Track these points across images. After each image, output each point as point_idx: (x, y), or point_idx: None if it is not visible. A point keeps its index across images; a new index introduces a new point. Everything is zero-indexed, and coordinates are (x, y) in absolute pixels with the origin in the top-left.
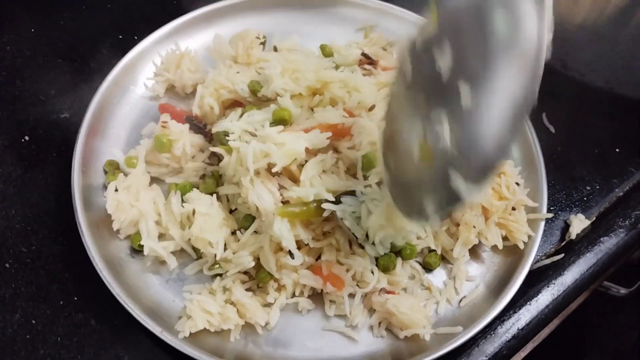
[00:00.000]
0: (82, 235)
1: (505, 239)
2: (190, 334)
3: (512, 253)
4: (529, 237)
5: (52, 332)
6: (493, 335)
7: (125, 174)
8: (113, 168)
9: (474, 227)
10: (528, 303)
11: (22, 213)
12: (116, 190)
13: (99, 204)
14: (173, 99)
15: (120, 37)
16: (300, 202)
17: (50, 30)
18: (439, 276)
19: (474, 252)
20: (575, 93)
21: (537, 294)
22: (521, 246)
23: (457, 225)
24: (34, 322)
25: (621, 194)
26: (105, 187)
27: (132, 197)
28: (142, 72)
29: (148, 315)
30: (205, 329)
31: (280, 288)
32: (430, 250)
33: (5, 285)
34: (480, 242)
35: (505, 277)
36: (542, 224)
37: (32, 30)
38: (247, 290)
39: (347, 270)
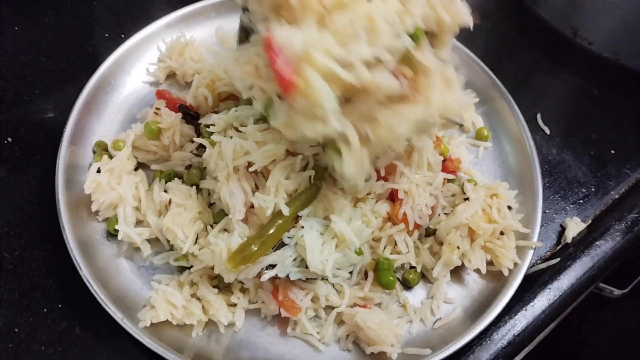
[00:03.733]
0: (59, 212)
1: (490, 263)
2: (152, 324)
3: (496, 279)
4: (515, 264)
5: (36, 341)
6: (488, 342)
7: (112, 157)
8: (101, 149)
9: (458, 247)
10: (524, 308)
11: (4, 217)
12: (99, 171)
13: (83, 183)
14: (173, 87)
15: (107, 35)
16: (245, 246)
17: (34, 28)
18: (417, 294)
19: (457, 273)
20: (581, 65)
21: (533, 299)
22: (506, 273)
23: (441, 244)
24: (16, 330)
25: (617, 196)
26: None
27: (114, 180)
28: (145, 56)
29: (113, 300)
30: (167, 321)
31: (244, 290)
32: (411, 267)
33: None
34: (463, 264)
35: (485, 303)
36: (531, 252)
37: (15, 28)
38: (214, 287)
39: (307, 294)
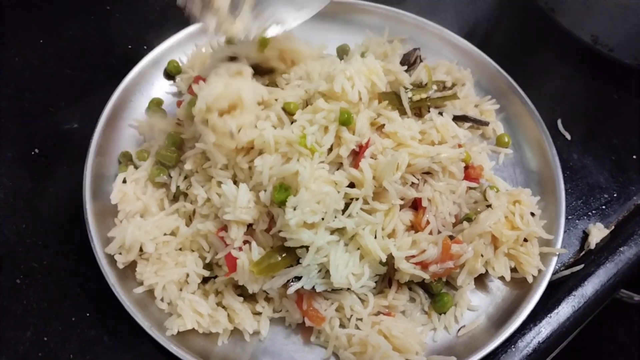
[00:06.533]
0: (87, 222)
1: (514, 270)
2: (179, 332)
3: (520, 286)
4: (539, 271)
5: (65, 350)
6: (513, 349)
7: (137, 167)
8: (126, 160)
9: (482, 255)
10: (548, 316)
11: (32, 227)
12: (125, 181)
13: (110, 193)
14: None
15: (130, 46)
16: (270, 255)
17: (59, 41)
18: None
19: (480, 281)
20: (601, 70)
21: (558, 306)
22: (530, 280)
23: None
24: (46, 339)
25: (639, 201)
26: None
27: (139, 190)
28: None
29: (140, 309)
30: (194, 329)
31: (269, 299)
32: None
33: (17, 301)
34: (487, 271)
35: (509, 310)
36: (555, 259)
37: (41, 41)
38: (239, 295)
39: (332, 304)
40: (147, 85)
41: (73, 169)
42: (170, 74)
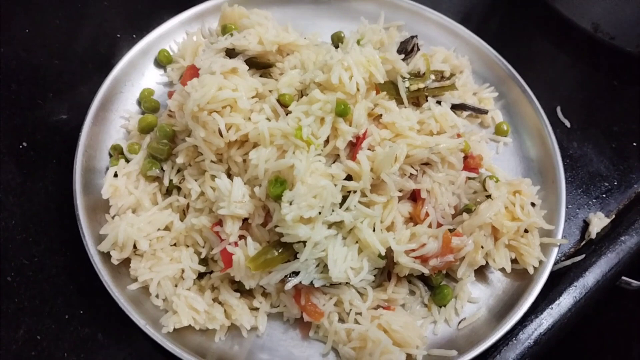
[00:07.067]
0: (78, 218)
1: (515, 261)
2: (175, 329)
3: (521, 277)
4: (540, 262)
5: (58, 348)
6: (515, 341)
7: (128, 160)
8: (117, 153)
9: (482, 247)
10: (549, 307)
11: (22, 224)
12: (116, 175)
13: (101, 187)
14: None
15: (119, 35)
16: (267, 250)
17: (46, 31)
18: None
19: (481, 272)
20: (601, 58)
21: (559, 297)
22: (531, 271)
23: None
24: (38, 337)
25: None
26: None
27: (131, 183)
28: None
29: (135, 306)
30: (190, 326)
31: (266, 294)
32: None
33: (8, 299)
34: (487, 263)
35: (510, 302)
36: (556, 249)
37: (27, 30)
38: (235, 291)
39: (331, 298)
40: (137, 76)
41: (62, 162)
42: (160, 64)
